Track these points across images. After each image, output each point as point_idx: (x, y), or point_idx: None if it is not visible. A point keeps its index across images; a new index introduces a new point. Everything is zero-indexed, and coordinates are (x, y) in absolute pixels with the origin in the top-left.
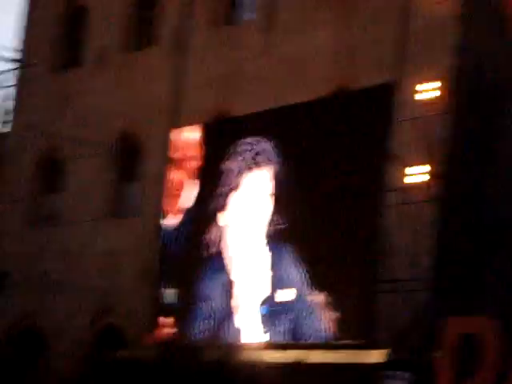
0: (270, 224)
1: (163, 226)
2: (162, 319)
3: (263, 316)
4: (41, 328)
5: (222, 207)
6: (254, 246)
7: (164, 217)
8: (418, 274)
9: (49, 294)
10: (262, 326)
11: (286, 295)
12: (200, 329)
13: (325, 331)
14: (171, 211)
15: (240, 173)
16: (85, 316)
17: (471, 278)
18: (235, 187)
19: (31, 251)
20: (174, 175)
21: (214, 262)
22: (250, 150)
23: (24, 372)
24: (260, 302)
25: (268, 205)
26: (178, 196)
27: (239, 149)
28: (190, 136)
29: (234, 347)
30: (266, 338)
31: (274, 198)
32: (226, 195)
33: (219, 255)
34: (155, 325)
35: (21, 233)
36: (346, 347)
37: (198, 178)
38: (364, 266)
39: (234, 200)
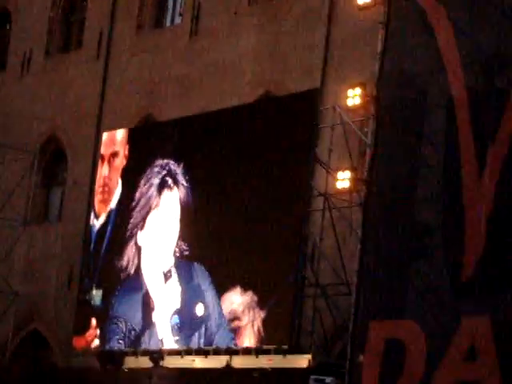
0: (177, 245)
1: (92, 228)
2: (92, 320)
3: (174, 326)
4: None
5: (140, 226)
6: (166, 263)
7: (97, 217)
8: (342, 279)
9: None
10: (175, 336)
11: (198, 309)
12: (119, 341)
13: (259, 336)
14: (100, 211)
15: (153, 194)
16: (9, 322)
17: (396, 283)
18: (150, 207)
19: None
20: (103, 170)
21: (131, 281)
22: (161, 173)
23: None
24: (171, 314)
25: (176, 228)
26: (108, 193)
27: (154, 169)
28: (118, 136)
29: (158, 353)
30: (182, 346)
31: (182, 213)
32: (143, 215)
33: (136, 273)
34: (85, 327)
35: None
36: (271, 352)
37: (121, 178)
38: (290, 270)
39: (149, 220)
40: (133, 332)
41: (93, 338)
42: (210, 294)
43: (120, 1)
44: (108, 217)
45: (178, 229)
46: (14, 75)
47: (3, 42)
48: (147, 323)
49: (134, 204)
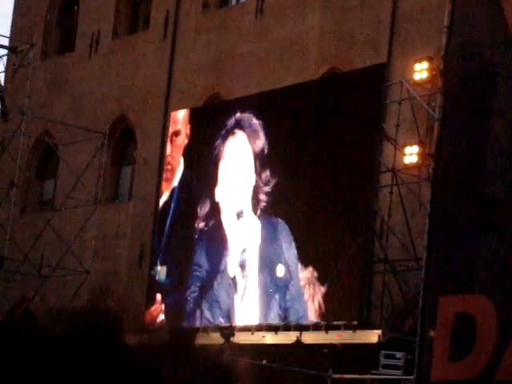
0: (257, 188)
1: (159, 206)
2: (157, 296)
3: (242, 261)
4: (37, 312)
5: (214, 183)
6: (240, 204)
7: (160, 196)
8: (412, 254)
9: (45, 280)
10: (258, 303)
11: (279, 271)
12: (190, 296)
13: (319, 311)
14: (163, 189)
15: (221, 144)
16: (81, 301)
17: (466, 257)
18: (219, 159)
19: (26, 237)
20: (170, 152)
21: (208, 236)
22: (234, 123)
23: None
24: (240, 251)
25: (251, 168)
26: (171, 171)
27: (227, 123)
28: (179, 115)
29: (229, 330)
30: (259, 317)
31: (257, 164)
32: (215, 170)
33: (214, 229)
34: (151, 301)
35: (16, 219)
36: (340, 328)
37: (183, 156)
38: (359, 246)
39: (221, 172)
40: (209, 281)
41: (158, 313)
42: (291, 255)
43: None
44: (171, 195)
45: (253, 172)
46: (82, 57)
47: (71, 24)
48: (219, 264)
49: (210, 165)
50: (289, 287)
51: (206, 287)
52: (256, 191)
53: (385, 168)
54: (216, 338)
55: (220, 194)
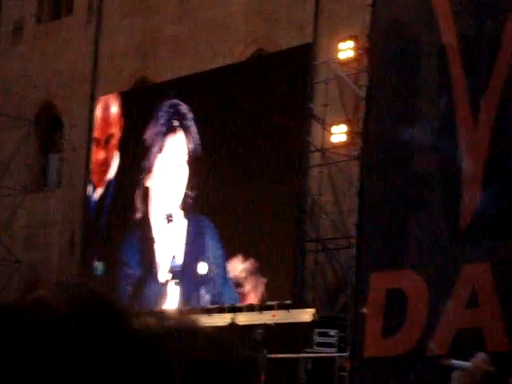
0: (188, 189)
1: (90, 199)
2: None
3: (172, 269)
4: None
5: (148, 169)
6: (170, 206)
7: (94, 190)
8: (342, 232)
9: None
10: (174, 279)
11: (202, 268)
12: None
13: (240, 298)
14: (98, 185)
15: (161, 136)
16: (12, 290)
17: (395, 234)
18: (158, 150)
19: None
20: (98, 154)
21: (138, 226)
22: (168, 114)
23: None
24: (171, 256)
25: (184, 170)
26: (104, 171)
27: (159, 113)
28: (110, 110)
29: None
30: (182, 304)
31: (189, 163)
32: (151, 158)
33: (142, 222)
34: None
35: None
36: (274, 308)
37: (118, 150)
38: (290, 226)
39: (157, 163)
40: (139, 280)
41: None
42: (215, 253)
43: None
44: (107, 188)
45: (186, 174)
46: (6, 44)
47: None
48: (150, 268)
49: (143, 148)
50: (215, 283)
51: (137, 289)
52: (187, 189)
53: (314, 148)
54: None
55: (153, 188)
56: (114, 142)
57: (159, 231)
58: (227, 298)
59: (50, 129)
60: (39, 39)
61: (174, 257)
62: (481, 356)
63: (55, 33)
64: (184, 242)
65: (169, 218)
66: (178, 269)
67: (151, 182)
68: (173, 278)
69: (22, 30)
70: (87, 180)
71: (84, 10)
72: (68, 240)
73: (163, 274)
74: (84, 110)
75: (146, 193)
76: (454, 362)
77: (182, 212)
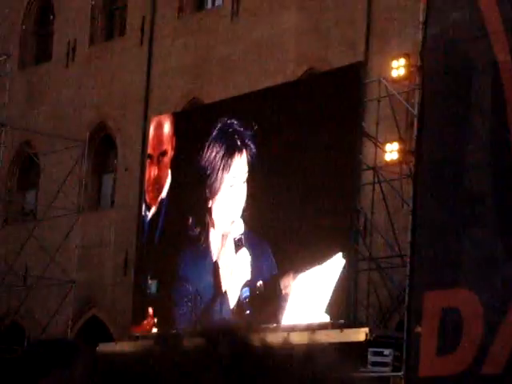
0: (246, 210)
1: (144, 218)
2: (149, 309)
3: (245, 299)
4: (23, 324)
5: (210, 191)
6: (236, 229)
7: (148, 209)
8: (396, 251)
9: (30, 290)
10: (246, 311)
11: (261, 286)
12: (181, 313)
13: (306, 313)
14: (151, 203)
15: (224, 156)
16: (67, 310)
17: (450, 252)
18: (219, 170)
19: (10, 248)
20: (152, 171)
21: (197, 246)
22: (226, 133)
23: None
24: (242, 285)
25: (243, 190)
26: (158, 189)
27: (215, 133)
28: (163, 128)
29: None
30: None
31: (247, 183)
32: (212, 179)
33: (201, 239)
34: (143, 316)
35: None
36: (328, 327)
37: (170, 168)
38: (343, 245)
39: (220, 184)
40: (199, 297)
41: (151, 327)
42: (269, 273)
43: None
44: (159, 207)
45: (245, 193)
46: (59, 65)
47: (48, 33)
48: (217, 292)
49: (201, 174)
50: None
51: (205, 310)
52: (244, 209)
53: (366, 166)
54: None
55: (216, 210)
56: (167, 160)
57: (225, 256)
58: (284, 313)
59: (104, 149)
60: (92, 60)
61: (243, 286)
62: None
63: (108, 54)
64: (249, 269)
65: (238, 244)
66: (247, 299)
67: (214, 202)
68: (245, 308)
69: (74, 51)
70: (141, 200)
71: (137, 31)
72: (122, 260)
73: (231, 301)
74: (137, 130)
75: (208, 211)
76: None
77: (243, 230)
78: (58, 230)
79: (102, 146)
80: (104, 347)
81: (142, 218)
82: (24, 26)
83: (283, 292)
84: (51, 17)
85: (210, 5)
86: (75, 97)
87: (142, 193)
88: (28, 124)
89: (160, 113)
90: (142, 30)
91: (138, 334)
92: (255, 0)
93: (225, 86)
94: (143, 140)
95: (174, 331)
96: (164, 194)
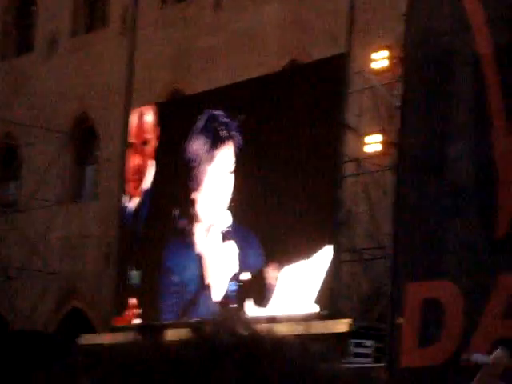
0: (231, 201)
1: (125, 209)
2: (130, 300)
3: (232, 292)
4: (6, 316)
5: (194, 181)
6: (223, 221)
7: (129, 199)
8: (377, 242)
9: (12, 281)
10: (229, 300)
11: (246, 276)
12: (166, 305)
13: (288, 304)
14: (133, 194)
15: (209, 147)
16: (49, 301)
17: (431, 244)
18: (205, 162)
19: None
20: (134, 160)
21: (182, 238)
22: (212, 124)
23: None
24: (228, 278)
25: (230, 181)
26: (140, 179)
27: (200, 124)
28: (145, 118)
29: (199, 324)
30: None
31: (235, 174)
32: (197, 171)
33: (186, 231)
34: (124, 306)
35: None
36: (310, 318)
37: (154, 159)
38: (325, 236)
39: (207, 174)
40: (184, 288)
41: (131, 318)
42: (257, 264)
43: None
44: (143, 197)
45: (232, 183)
46: (41, 56)
47: (29, 24)
48: (203, 284)
49: (186, 165)
50: (255, 289)
51: (190, 302)
52: (231, 200)
53: (348, 158)
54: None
55: (202, 202)
56: (150, 149)
57: (211, 248)
58: (267, 304)
59: (85, 140)
60: (74, 52)
61: (231, 279)
62: (502, 351)
63: (90, 45)
64: (237, 262)
65: (226, 235)
66: (234, 293)
67: (199, 193)
68: (231, 302)
69: (56, 42)
70: (123, 191)
71: (118, 22)
72: (104, 251)
73: (217, 294)
74: (119, 121)
75: (192, 203)
76: (475, 356)
77: (230, 222)
78: (40, 221)
79: (84, 138)
80: (86, 339)
81: (122, 208)
82: (5, 17)
83: (269, 283)
84: (33, 8)
85: None
86: (57, 88)
87: (123, 183)
88: (9, 115)
89: (142, 104)
90: (124, 20)
91: (119, 326)
92: None
93: (207, 77)
94: (125, 131)
95: (155, 323)
96: (147, 184)
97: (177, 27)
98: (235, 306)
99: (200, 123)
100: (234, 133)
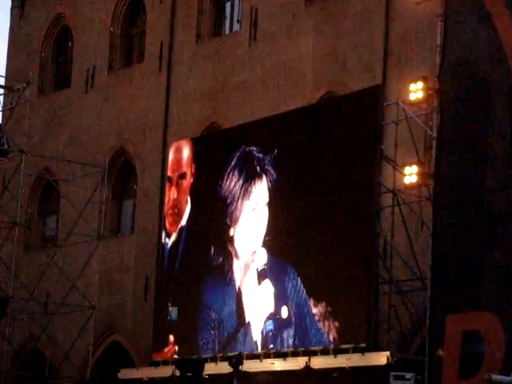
0: (267, 234)
1: (164, 245)
2: (169, 336)
3: (269, 333)
4: (44, 351)
5: (231, 219)
6: (259, 259)
7: (167, 236)
8: (416, 274)
9: (51, 316)
10: (270, 344)
11: (284, 312)
12: (204, 341)
13: (327, 338)
14: (171, 230)
15: (242, 184)
16: (88, 336)
17: (470, 275)
18: (239, 198)
19: (31, 275)
20: (171, 194)
21: (220, 274)
22: (246, 161)
23: None
24: (265, 318)
25: (265, 215)
26: (177, 214)
27: (234, 162)
28: (182, 152)
29: (237, 358)
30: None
31: (269, 207)
32: (233, 208)
33: (224, 267)
34: (163, 343)
35: (19, 257)
36: (349, 351)
37: (189, 195)
38: (363, 268)
39: (240, 212)
40: (222, 325)
41: (172, 354)
42: (297, 296)
43: (179, 11)
44: (179, 234)
45: (266, 217)
46: (78, 92)
47: (66, 60)
48: (241, 323)
49: (221, 202)
50: (294, 324)
51: (230, 338)
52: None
53: (385, 189)
54: (225, 368)
55: (239, 238)
56: (186, 184)
57: (248, 283)
58: (313, 338)
59: (123, 175)
60: (110, 87)
61: (267, 318)
62: None
63: (127, 80)
64: (273, 301)
65: (261, 274)
66: (271, 332)
67: (236, 230)
68: (269, 342)
69: (93, 78)
70: (161, 225)
71: (155, 57)
72: (142, 285)
73: (256, 334)
74: (156, 155)
75: (229, 240)
76: (494, 376)
77: (266, 260)
78: (79, 255)
79: (122, 172)
80: (124, 373)
81: (162, 245)
82: (43, 54)
83: (309, 316)
84: (70, 44)
85: (227, 30)
86: (94, 123)
87: (161, 218)
88: (48, 151)
89: (179, 138)
90: (161, 55)
91: (158, 360)
92: (273, 25)
93: (243, 111)
94: (162, 165)
95: (194, 357)
96: (184, 221)
97: (212, 62)
98: (272, 347)
99: (234, 160)
100: (267, 167)
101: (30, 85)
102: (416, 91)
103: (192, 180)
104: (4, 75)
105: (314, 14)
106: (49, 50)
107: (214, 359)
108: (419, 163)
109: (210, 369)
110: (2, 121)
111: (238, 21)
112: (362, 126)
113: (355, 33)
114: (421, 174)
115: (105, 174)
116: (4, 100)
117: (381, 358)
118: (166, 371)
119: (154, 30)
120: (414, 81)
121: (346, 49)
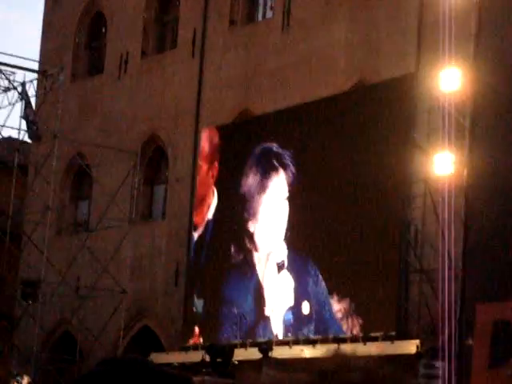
0: (288, 230)
1: (191, 238)
2: (196, 328)
3: (287, 323)
4: (75, 334)
5: (250, 213)
6: (279, 252)
7: (195, 229)
8: (447, 263)
9: (82, 300)
10: (288, 333)
11: (305, 308)
12: (226, 336)
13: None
14: (198, 222)
15: (262, 179)
16: (119, 320)
17: (501, 264)
18: (259, 193)
19: (63, 259)
20: (201, 183)
21: (241, 271)
22: (265, 157)
23: (61, 378)
24: (284, 311)
25: (286, 206)
26: (204, 206)
27: (254, 159)
28: (212, 140)
29: (267, 344)
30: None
31: (289, 199)
32: (254, 202)
33: (245, 264)
34: (190, 334)
35: (51, 241)
36: (378, 339)
37: (216, 187)
38: (393, 257)
39: (261, 205)
40: (244, 320)
41: (196, 348)
42: (318, 292)
43: None
44: (205, 228)
45: (287, 211)
46: (111, 77)
47: (100, 46)
48: (260, 316)
49: (243, 197)
50: (315, 320)
51: (249, 331)
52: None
53: (417, 178)
54: (254, 354)
55: (259, 232)
56: (213, 173)
57: (269, 280)
58: (333, 332)
59: (155, 161)
60: (143, 73)
61: (287, 310)
62: None
63: (160, 66)
64: (292, 284)
65: (280, 267)
66: (290, 324)
67: (255, 225)
68: (287, 332)
69: (126, 64)
70: (191, 211)
71: (188, 44)
72: (173, 270)
73: (276, 326)
74: (188, 141)
75: (249, 234)
76: None
77: (286, 253)
78: (110, 240)
79: (154, 158)
80: (156, 357)
81: (190, 236)
82: (77, 39)
83: (333, 309)
84: (103, 29)
85: (260, 17)
86: (127, 109)
87: (192, 204)
88: (80, 136)
89: (211, 125)
90: (194, 42)
91: (189, 345)
92: (306, 12)
93: (275, 98)
94: (194, 152)
95: (226, 343)
96: (210, 215)
97: (245, 49)
98: (290, 335)
99: (255, 154)
100: (286, 161)
101: (64, 70)
102: (449, 79)
103: (217, 171)
104: (38, 60)
105: (348, 1)
106: (82, 36)
107: (243, 345)
108: (452, 152)
109: (240, 354)
110: (36, 105)
111: (270, 8)
112: (395, 114)
113: (389, 20)
114: (453, 163)
115: (137, 160)
116: (38, 85)
117: (410, 347)
118: (197, 356)
119: (187, 17)
120: (448, 69)
121: (379, 36)
